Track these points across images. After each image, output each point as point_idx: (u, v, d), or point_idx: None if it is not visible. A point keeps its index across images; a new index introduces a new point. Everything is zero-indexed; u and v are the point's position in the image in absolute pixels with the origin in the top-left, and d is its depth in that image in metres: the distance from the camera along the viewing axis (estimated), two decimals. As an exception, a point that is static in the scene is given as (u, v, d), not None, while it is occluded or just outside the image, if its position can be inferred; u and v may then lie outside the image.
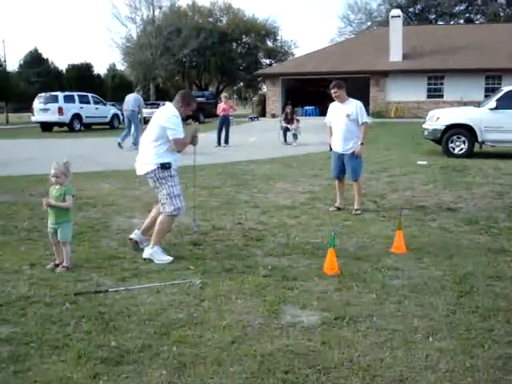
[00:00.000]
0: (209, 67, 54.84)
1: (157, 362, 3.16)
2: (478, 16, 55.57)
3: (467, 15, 55.46)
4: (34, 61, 51.24)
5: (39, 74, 46.88)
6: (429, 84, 31.16)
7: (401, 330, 3.57)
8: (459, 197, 8.29)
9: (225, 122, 17.31)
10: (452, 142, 13.38)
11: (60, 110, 25.68)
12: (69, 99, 26.47)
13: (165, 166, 5.10)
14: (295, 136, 17.57)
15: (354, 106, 7.18)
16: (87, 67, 54.45)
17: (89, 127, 27.78)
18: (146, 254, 5.16)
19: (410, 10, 56.02)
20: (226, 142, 17.26)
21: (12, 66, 51.01)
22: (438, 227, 6.41)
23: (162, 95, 46.99)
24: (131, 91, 19.77)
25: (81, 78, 49.49)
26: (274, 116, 31.65)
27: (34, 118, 27.10)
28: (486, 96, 24.59)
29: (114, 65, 59.50)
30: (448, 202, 7.94)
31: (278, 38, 59.52)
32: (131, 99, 17.06)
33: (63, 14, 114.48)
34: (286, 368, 3.09)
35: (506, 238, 5.89)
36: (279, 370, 3.06)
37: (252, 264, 4.98)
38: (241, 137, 19.55)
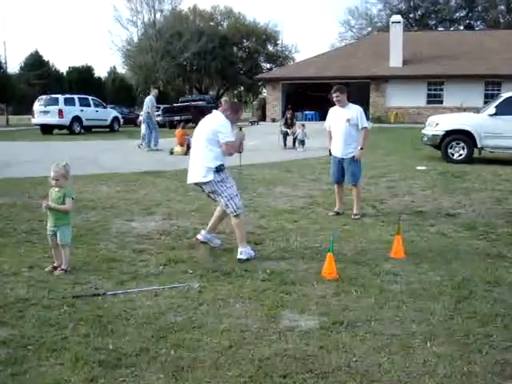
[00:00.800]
0: (209, 71, 54.96)
1: (154, 366, 3.16)
2: (478, 22, 55.81)
3: (467, 21, 55.67)
4: (35, 63, 51.20)
5: (40, 76, 46.83)
6: (429, 90, 31.23)
7: (399, 335, 3.57)
8: (458, 202, 8.30)
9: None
10: (451, 148, 13.40)
11: (60, 113, 25.70)
12: (69, 102, 26.50)
13: (220, 169, 5.27)
14: (302, 142, 17.11)
15: (355, 110, 7.20)
16: (88, 70, 54.42)
17: (89, 130, 27.79)
18: (241, 256, 5.27)
19: (411, 15, 56.21)
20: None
21: (13, 68, 50.81)
22: (437, 232, 6.41)
23: (163, 98, 47.04)
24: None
25: (81, 81, 49.45)
26: (274, 120, 31.68)
27: (34, 121, 27.11)
28: (485, 102, 24.65)
29: (115, 68, 59.63)
30: (447, 207, 7.94)
31: (279, 42, 59.76)
32: (146, 101, 17.25)
33: (64, 16, 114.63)
34: (283, 372, 3.08)
35: (504, 243, 5.89)
36: (277, 375, 3.06)
37: (250, 268, 4.98)
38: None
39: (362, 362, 3.21)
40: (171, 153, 15.66)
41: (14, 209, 7.68)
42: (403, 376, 3.06)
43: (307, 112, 33.24)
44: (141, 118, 17.13)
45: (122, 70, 57.81)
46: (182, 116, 28.59)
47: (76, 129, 26.35)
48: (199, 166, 5.34)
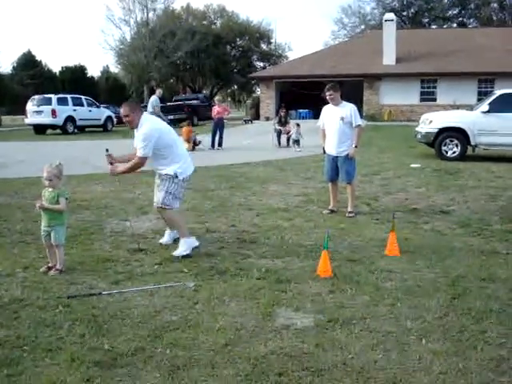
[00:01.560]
0: (203, 70, 54.83)
1: (150, 365, 3.16)
2: (471, 20, 55.91)
3: (460, 19, 55.79)
4: (28, 63, 50.96)
5: (32, 76, 46.63)
6: (422, 87, 31.29)
7: (394, 332, 3.59)
8: (452, 199, 8.33)
9: (219, 125, 17.32)
10: (445, 145, 13.44)
11: (53, 113, 25.60)
12: (62, 101, 26.40)
13: None
14: (297, 142, 16.76)
15: (348, 108, 7.21)
16: (81, 69, 54.26)
17: (82, 130, 27.70)
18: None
19: (404, 13, 56.29)
20: (220, 144, 17.25)
21: (5, 68, 50.63)
22: (431, 230, 6.43)
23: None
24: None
25: (74, 81, 49.30)
26: (267, 119, 31.68)
27: (27, 121, 26.99)
28: (478, 99, 24.72)
29: (108, 67, 59.47)
30: (441, 204, 7.97)
31: (272, 40, 59.62)
32: (151, 100, 17.75)
33: (56, 16, 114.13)
34: (279, 370, 3.09)
35: (498, 240, 5.92)
36: (273, 373, 3.07)
37: (246, 266, 4.99)
38: (235, 139, 19.55)
39: (358, 359, 3.22)
40: None
41: (8, 209, 7.65)
42: (399, 373, 3.07)
43: (301, 110, 33.28)
44: None
45: (115, 69, 57.68)
46: (175, 115, 28.52)
47: (69, 128, 26.26)
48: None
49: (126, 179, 10.50)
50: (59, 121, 25.88)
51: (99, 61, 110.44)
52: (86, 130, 28.15)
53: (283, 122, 18.41)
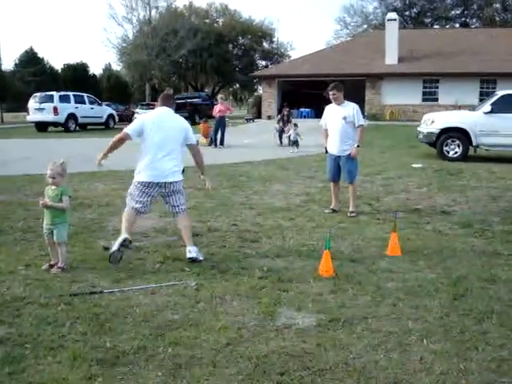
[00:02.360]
0: (205, 68, 54.78)
1: (152, 364, 3.17)
2: (474, 20, 55.82)
3: (463, 19, 55.69)
4: (30, 60, 50.98)
5: (34, 73, 46.60)
6: (424, 87, 31.27)
7: (395, 333, 3.59)
8: (454, 200, 8.33)
9: (221, 124, 17.32)
10: (447, 146, 13.44)
11: (55, 110, 25.62)
12: (64, 99, 26.41)
13: (183, 171, 5.44)
14: (295, 142, 16.21)
15: (351, 108, 7.21)
16: (83, 67, 54.28)
17: (84, 127, 27.71)
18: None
19: (406, 13, 56.19)
20: (222, 143, 17.26)
21: (7, 65, 50.51)
22: (433, 230, 6.44)
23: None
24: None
25: (76, 78, 49.33)
26: (269, 118, 31.69)
27: (29, 118, 27.03)
28: (480, 100, 24.71)
29: (110, 65, 59.45)
30: (442, 205, 7.97)
31: (275, 39, 59.57)
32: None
33: (59, 13, 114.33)
34: (281, 370, 3.10)
35: (499, 241, 5.92)
36: (274, 372, 3.07)
37: (247, 266, 4.99)
38: (236, 138, 19.55)
39: (359, 359, 3.22)
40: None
41: (10, 206, 7.66)
42: (400, 373, 3.07)
43: (303, 109, 33.27)
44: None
45: (117, 67, 57.67)
46: (177, 113, 28.49)
47: (71, 126, 26.30)
48: (177, 167, 5.33)
49: (129, 177, 10.47)
50: (61, 118, 25.90)
51: (101, 59, 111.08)
52: (88, 127, 28.16)
53: (285, 121, 18.41)
